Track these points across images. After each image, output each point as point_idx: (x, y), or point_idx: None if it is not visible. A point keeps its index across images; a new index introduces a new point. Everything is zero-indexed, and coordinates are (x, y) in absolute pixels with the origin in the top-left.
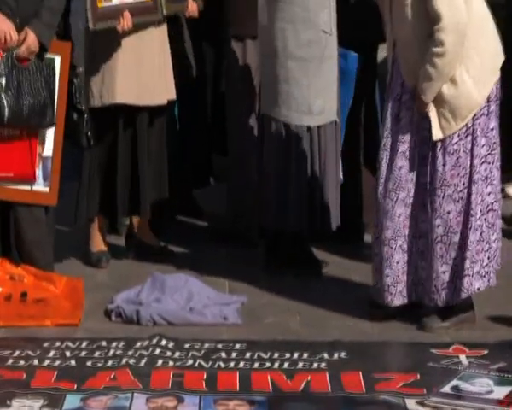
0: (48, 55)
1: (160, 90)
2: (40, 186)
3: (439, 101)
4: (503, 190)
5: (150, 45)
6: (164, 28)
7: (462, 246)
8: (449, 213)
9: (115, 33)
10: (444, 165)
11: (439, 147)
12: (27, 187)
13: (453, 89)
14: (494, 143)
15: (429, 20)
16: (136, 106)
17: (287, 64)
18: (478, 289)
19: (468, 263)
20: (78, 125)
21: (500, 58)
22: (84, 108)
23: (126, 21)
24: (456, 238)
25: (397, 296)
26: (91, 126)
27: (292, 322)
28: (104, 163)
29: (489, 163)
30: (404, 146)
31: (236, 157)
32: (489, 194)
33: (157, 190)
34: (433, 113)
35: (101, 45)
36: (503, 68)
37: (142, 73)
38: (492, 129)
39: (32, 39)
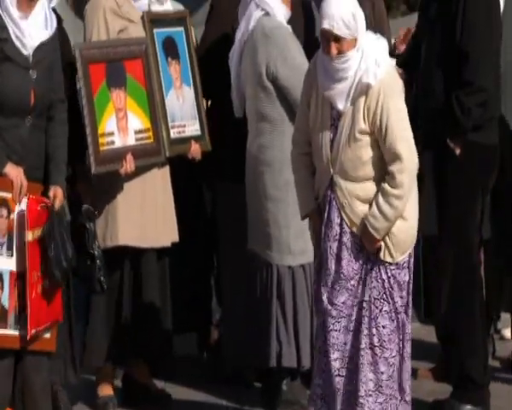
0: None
1: (163, 231)
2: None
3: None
4: (498, 331)
5: (153, 186)
6: (166, 169)
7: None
8: (384, 327)
9: (118, 175)
10: (387, 280)
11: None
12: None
13: (400, 223)
14: None
15: (382, 161)
16: (139, 248)
17: (266, 206)
18: None
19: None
20: (91, 270)
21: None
22: (96, 253)
23: (129, 165)
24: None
25: None
26: (104, 271)
27: None
28: (111, 306)
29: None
30: (345, 282)
31: (229, 297)
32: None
33: (161, 331)
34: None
35: (104, 187)
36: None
37: (145, 214)
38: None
39: (61, 195)
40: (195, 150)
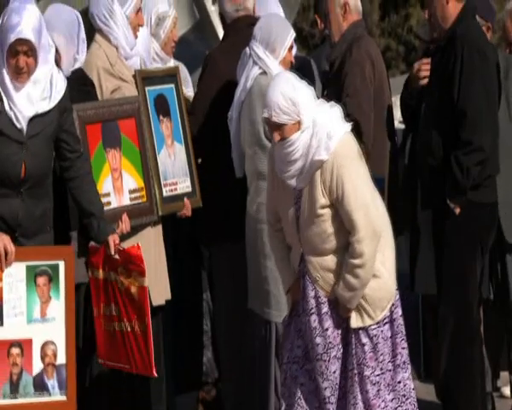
0: (51, 262)
1: (157, 290)
2: (57, 396)
3: None
4: (498, 389)
5: (147, 246)
6: (159, 228)
7: None
8: (367, 392)
9: None
10: (368, 343)
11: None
12: (45, 398)
13: (373, 282)
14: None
15: (345, 231)
16: None
17: (265, 264)
18: None
19: None
20: None
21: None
22: None
23: (125, 225)
24: None
25: None
26: None
27: None
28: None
29: (404, 348)
30: (334, 350)
31: (226, 355)
32: (408, 378)
33: (153, 395)
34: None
35: None
36: None
37: None
38: (401, 315)
39: (118, 239)
40: (186, 207)
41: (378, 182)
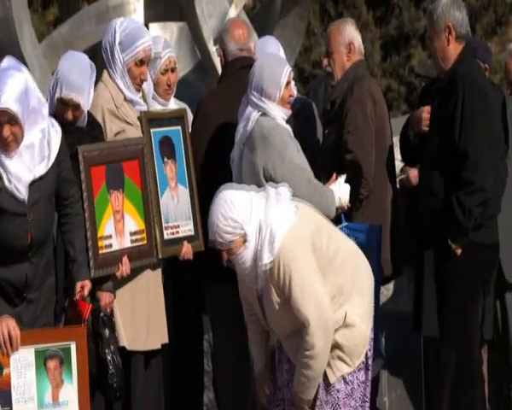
0: (62, 344)
1: (153, 334)
2: None
3: (334, 346)
4: None
5: (145, 289)
6: (158, 271)
7: None
8: None
9: (114, 278)
10: (343, 389)
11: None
12: None
13: (346, 331)
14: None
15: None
16: (130, 350)
17: None
18: None
19: None
20: (104, 376)
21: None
22: (109, 357)
23: (125, 268)
24: None
25: None
26: (118, 378)
27: None
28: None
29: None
30: None
31: (226, 398)
32: None
33: None
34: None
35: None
36: None
37: (137, 317)
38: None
39: (89, 284)
40: (187, 251)
41: (374, 230)
